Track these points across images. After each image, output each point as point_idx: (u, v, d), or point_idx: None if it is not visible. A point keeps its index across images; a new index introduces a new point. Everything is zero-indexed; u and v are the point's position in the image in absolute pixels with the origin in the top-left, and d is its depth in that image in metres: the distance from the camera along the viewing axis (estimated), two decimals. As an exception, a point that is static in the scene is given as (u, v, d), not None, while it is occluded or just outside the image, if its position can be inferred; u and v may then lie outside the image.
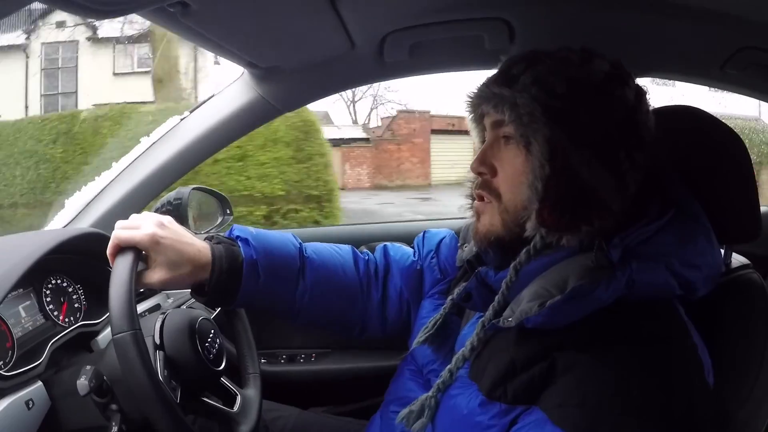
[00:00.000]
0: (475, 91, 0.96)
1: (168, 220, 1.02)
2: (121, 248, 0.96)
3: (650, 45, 1.24)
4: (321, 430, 1.35)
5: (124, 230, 0.97)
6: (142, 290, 1.39)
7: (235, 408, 1.09)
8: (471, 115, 1.01)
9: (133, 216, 1.02)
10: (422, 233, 1.28)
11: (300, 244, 1.16)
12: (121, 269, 0.92)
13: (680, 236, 0.85)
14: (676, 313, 0.84)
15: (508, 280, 0.88)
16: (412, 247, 1.27)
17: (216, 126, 1.46)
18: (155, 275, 0.99)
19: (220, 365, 1.07)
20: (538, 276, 0.86)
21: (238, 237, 1.09)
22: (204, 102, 1.49)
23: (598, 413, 0.73)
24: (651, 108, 0.91)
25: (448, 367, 0.92)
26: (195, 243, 1.02)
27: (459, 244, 1.12)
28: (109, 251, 0.98)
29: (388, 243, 1.27)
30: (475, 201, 0.97)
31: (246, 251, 1.06)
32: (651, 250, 0.83)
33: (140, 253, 0.97)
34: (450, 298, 1.05)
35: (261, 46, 1.23)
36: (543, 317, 0.80)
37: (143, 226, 0.98)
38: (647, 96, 0.90)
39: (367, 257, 1.23)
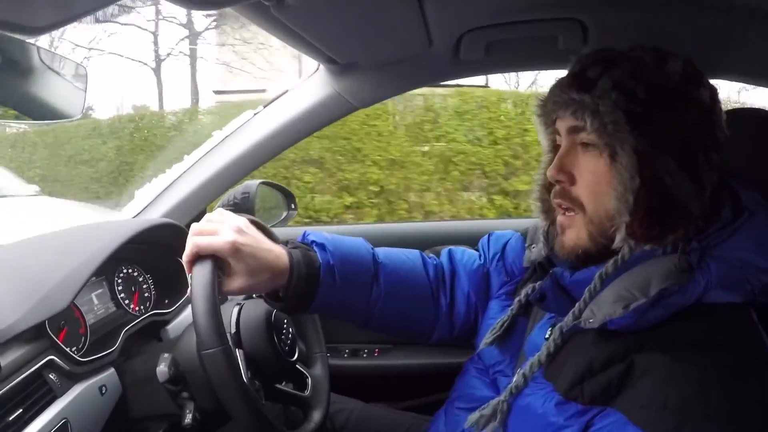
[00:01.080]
0: (548, 95, 0.92)
1: (245, 223, 0.98)
2: (200, 256, 0.92)
3: (721, 46, 1.20)
4: (384, 423, 1.34)
5: (202, 237, 0.93)
6: None
7: (307, 392, 1.10)
8: (540, 119, 0.97)
9: (208, 217, 0.98)
10: (487, 236, 1.25)
11: (372, 249, 1.14)
12: (202, 281, 0.88)
13: (754, 240, 0.82)
14: (751, 318, 0.81)
15: (592, 288, 0.85)
16: (477, 250, 1.24)
17: (290, 121, 1.45)
18: (235, 283, 0.94)
19: (294, 355, 1.08)
20: (619, 277, 0.83)
21: (313, 242, 1.06)
22: (278, 97, 1.49)
23: (680, 416, 0.71)
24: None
25: (522, 371, 0.89)
26: (273, 249, 0.99)
27: (526, 245, 1.09)
28: (186, 258, 0.93)
29: (452, 247, 1.25)
30: (558, 215, 0.93)
31: (323, 256, 1.04)
32: (727, 254, 0.80)
33: (219, 260, 0.92)
34: (518, 299, 1.03)
35: (344, 42, 1.21)
36: (627, 320, 0.78)
37: (222, 231, 0.93)
38: (719, 95, 0.87)
39: (435, 262, 1.21)
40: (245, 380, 0.92)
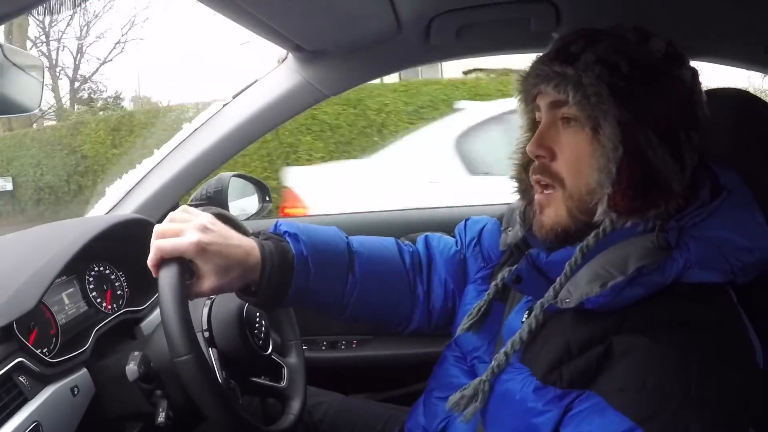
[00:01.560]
0: (528, 69, 0.91)
1: (210, 220, 0.94)
2: (165, 260, 0.88)
3: (697, 28, 1.21)
4: (363, 415, 1.33)
5: (165, 240, 0.89)
6: None
7: (284, 382, 1.10)
8: (520, 95, 0.96)
9: (170, 216, 0.95)
10: (464, 221, 1.24)
11: (347, 238, 1.12)
12: (169, 285, 0.85)
13: (733, 220, 0.82)
14: (728, 297, 0.82)
15: (572, 263, 0.84)
16: (453, 236, 1.24)
17: (259, 111, 1.44)
18: (205, 284, 0.92)
19: (269, 348, 1.07)
20: (596, 256, 0.83)
21: (286, 232, 1.04)
22: (246, 87, 1.47)
23: (659, 398, 0.72)
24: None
25: (504, 349, 0.88)
26: (242, 244, 0.96)
27: (503, 228, 1.08)
28: (150, 262, 0.90)
29: (428, 233, 1.24)
30: (536, 194, 0.92)
31: (296, 247, 1.01)
32: (705, 233, 0.81)
33: (185, 264, 0.89)
34: (494, 283, 1.02)
35: (310, 28, 1.20)
36: (605, 298, 0.77)
37: (186, 232, 0.90)
38: (700, 76, 0.88)
39: (411, 249, 1.20)
40: (220, 381, 0.91)
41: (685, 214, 0.82)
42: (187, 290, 0.88)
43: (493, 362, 0.89)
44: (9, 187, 12.28)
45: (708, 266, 0.79)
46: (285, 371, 1.13)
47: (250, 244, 0.97)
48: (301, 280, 1.00)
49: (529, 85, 0.91)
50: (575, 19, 1.18)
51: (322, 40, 1.28)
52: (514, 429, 0.84)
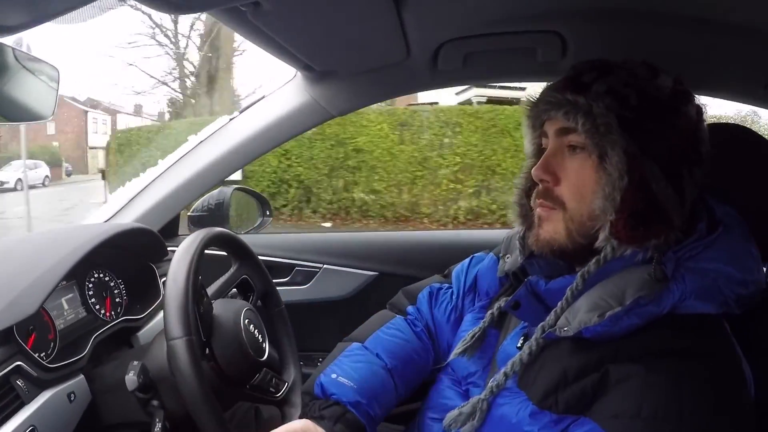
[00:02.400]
0: (539, 95, 0.93)
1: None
2: None
3: (698, 63, 1.22)
4: None
5: None
6: None
7: (279, 395, 1.09)
8: (528, 121, 0.97)
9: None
10: (467, 262, 1.23)
11: (385, 361, 1.13)
12: (179, 272, 0.90)
13: (728, 253, 0.84)
14: (722, 328, 0.83)
15: (574, 287, 0.86)
16: (450, 284, 1.23)
17: (265, 127, 1.45)
18: None
19: (263, 356, 1.06)
20: (594, 286, 0.84)
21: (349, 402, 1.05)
22: (254, 103, 1.49)
23: (653, 426, 0.73)
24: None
25: (504, 370, 0.89)
26: None
27: (501, 255, 1.08)
28: None
29: (429, 290, 1.24)
30: (537, 208, 0.93)
31: (364, 417, 1.04)
32: (701, 265, 0.82)
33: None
34: (490, 312, 1.02)
35: (322, 49, 1.22)
36: (602, 327, 0.79)
37: None
38: (705, 113, 0.89)
39: (419, 326, 1.20)
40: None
41: (683, 246, 0.83)
42: None
43: (491, 382, 0.90)
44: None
45: (703, 297, 0.80)
46: (282, 385, 1.13)
47: None
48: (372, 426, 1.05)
49: (539, 111, 0.93)
50: (581, 51, 1.21)
51: (331, 62, 1.30)
52: None
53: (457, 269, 1.22)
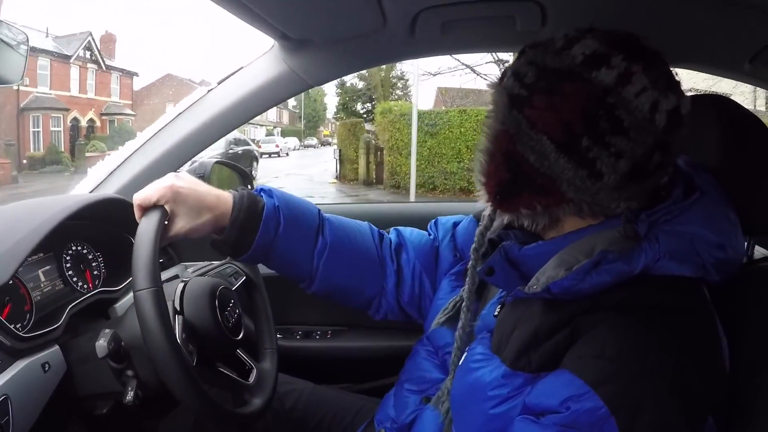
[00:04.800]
0: None
1: (183, 173, 1.02)
2: (145, 209, 0.96)
3: (680, 35, 1.21)
4: (334, 405, 1.35)
5: (142, 192, 0.98)
6: (161, 260, 1.39)
7: (251, 380, 1.09)
8: None
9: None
10: (434, 220, 1.25)
11: (317, 208, 1.15)
12: (146, 227, 0.92)
13: (705, 218, 0.84)
14: (701, 291, 0.83)
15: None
16: (427, 231, 1.25)
17: (243, 98, 1.44)
18: (178, 225, 0.99)
19: (238, 335, 1.07)
20: (565, 248, 0.85)
21: (261, 189, 1.09)
22: (231, 74, 1.47)
23: (616, 366, 0.73)
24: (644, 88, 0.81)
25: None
26: (213, 191, 1.03)
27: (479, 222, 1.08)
28: (136, 216, 0.98)
29: (400, 227, 1.25)
30: None
31: (268, 201, 1.06)
32: (676, 228, 0.82)
33: (164, 210, 0.97)
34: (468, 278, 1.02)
35: (296, 17, 1.21)
36: (569, 281, 0.79)
37: (160, 182, 0.99)
38: (638, 75, 0.80)
39: (381, 232, 1.21)
40: (179, 341, 0.92)
41: (657, 210, 0.83)
42: (162, 234, 0.94)
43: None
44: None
45: (678, 259, 0.80)
46: (254, 371, 1.13)
47: (222, 192, 1.03)
48: (270, 228, 1.04)
49: None
50: (561, 20, 1.20)
51: (307, 30, 1.29)
52: (482, 415, 0.85)
53: (430, 224, 1.26)
